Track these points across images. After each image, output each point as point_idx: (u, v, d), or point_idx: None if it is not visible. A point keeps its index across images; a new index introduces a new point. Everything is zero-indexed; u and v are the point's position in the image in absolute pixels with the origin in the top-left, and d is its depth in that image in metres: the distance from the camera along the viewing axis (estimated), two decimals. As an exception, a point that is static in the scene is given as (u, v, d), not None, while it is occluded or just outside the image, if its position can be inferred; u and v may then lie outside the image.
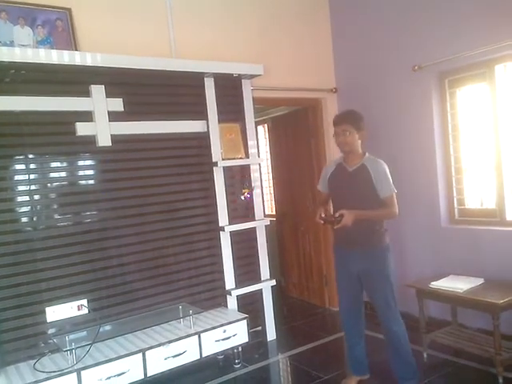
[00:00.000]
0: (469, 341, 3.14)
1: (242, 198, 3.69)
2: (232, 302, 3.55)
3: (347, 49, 4.31)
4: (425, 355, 3.21)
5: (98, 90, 3.01)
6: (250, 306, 3.66)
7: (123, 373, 2.76)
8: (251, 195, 3.70)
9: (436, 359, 3.21)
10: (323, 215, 2.68)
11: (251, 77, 3.64)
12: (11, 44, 2.80)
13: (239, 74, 3.54)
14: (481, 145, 3.50)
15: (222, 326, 3.18)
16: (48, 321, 2.86)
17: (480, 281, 3.18)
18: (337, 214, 2.61)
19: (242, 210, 3.73)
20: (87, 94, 2.99)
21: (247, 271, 3.71)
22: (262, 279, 3.72)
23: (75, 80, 2.96)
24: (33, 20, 2.91)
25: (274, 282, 3.76)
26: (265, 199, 5.33)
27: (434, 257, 3.71)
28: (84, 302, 2.97)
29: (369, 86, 4.12)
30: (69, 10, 3.00)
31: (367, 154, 2.82)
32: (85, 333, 2.95)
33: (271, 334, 3.76)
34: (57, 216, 2.96)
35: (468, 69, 3.45)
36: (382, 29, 3.95)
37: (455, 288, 3.08)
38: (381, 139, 3.89)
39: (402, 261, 3.83)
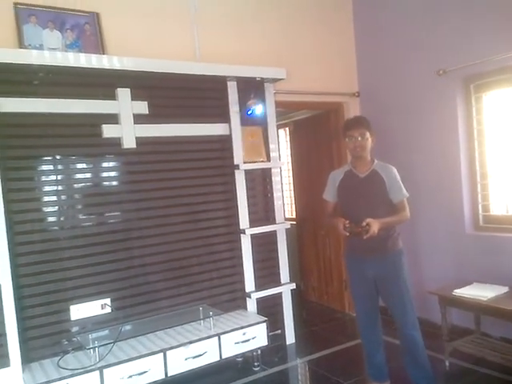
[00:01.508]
0: (492, 350, 3.08)
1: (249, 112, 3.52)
2: (252, 305, 3.56)
3: (370, 52, 4.28)
4: (447, 363, 3.16)
5: (123, 93, 3.07)
6: (270, 309, 3.66)
7: (144, 372, 2.80)
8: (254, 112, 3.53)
9: (458, 368, 3.15)
10: (347, 225, 2.60)
11: (274, 80, 3.66)
12: (41, 47, 2.87)
13: (262, 78, 3.56)
14: (507, 150, 3.44)
15: (241, 328, 3.20)
16: (72, 319, 2.92)
17: (505, 289, 3.11)
18: (364, 223, 2.54)
19: (263, 213, 3.74)
20: (113, 96, 3.05)
21: (267, 274, 3.72)
22: (282, 282, 3.72)
23: (102, 83, 3.02)
24: (62, 24, 2.98)
25: (293, 286, 3.76)
26: (285, 203, 5.33)
27: (458, 264, 3.65)
28: (107, 301, 3.02)
29: (392, 91, 4.08)
30: (97, 14, 3.06)
31: (376, 160, 2.80)
32: (107, 331, 3.00)
33: (290, 338, 3.76)
34: (83, 216, 3.02)
35: (495, 73, 3.39)
36: (406, 32, 3.92)
37: (479, 296, 3.03)
38: (403, 144, 3.86)
39: (424, 267, 3.79)
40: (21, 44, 2.84)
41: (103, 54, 3.04)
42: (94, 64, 2.82)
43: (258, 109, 3.53)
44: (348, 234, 2.61)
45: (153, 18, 3.32)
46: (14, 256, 2.72)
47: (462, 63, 3.47)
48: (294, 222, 5.16)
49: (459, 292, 3.15)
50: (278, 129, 3.92)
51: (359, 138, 2.71)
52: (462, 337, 3.32)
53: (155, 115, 3.20)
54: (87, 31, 3.02)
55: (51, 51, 2.80)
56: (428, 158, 3.81)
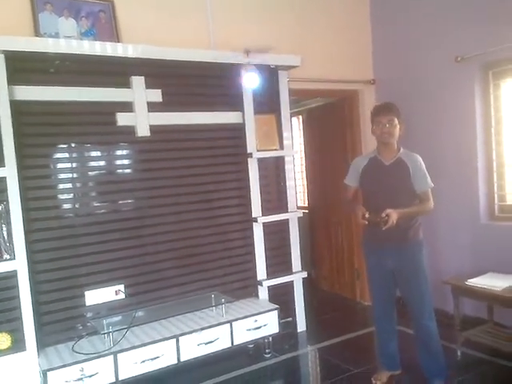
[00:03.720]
0: (505, 340, 3.07)
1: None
2: (263, 293, 3.59)
3: (386, 39, 4.21)
4: (459, 353, 3.16)
5: (138, 82, 3.07)
6: (281, 297, 3.67)
7: (157, 357, 2.85)
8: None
9: (470, 357, 3.15)
10: (367, 215, 2.57)
11: (288, 68, 3.63)
12: (56, 35, 2.88)
13: (276, 66, 3.53)
14: (525, 140, 3.38)
15: (253, 315, 3.22)
16: (87, 304, 2.97)
17: (519, 280, 3.09)
18: (383, 214, 2.50)
19: (275, 202, 3.74)
20: (128, 85, 3.05)
21: (279, 262, 3.73)
22: (294, 271, 3.74)
23: (117, 71, 3.02)
24: (77, 12, 2.99)
25: (305, 274, 3.77)
26: (297, 191, 5.32)
27: (473, 253, 3.62)
28: (121, 287, 3.07)
29: (408, 78, 4.02)
30: (111, 2, 3.06)
31: (402, 148, 2.77)
32: (121, 317, 3.05)
33: (301, 326, 3.78)
34: (97, 203, 3.05)
35: (514, 61, 3.32)
36: (423, 18, 3.84)
37: (493, 286, 3.01)
38: (420, 132, 3.80)
39: (439, 257, 3.76)
40: (37, 32, 2.85)
41: (118, 41, 3.05)
42: (108, 52, 2.83)
43: (252, 78, 3.23)
44: (367, 223, 2.60)
45: (167, 6, 3.30)
46: (30, 242, 2.77)
47: (480, 50, 3.39)
48: (306, 211, 5.16)
49: (473, 282, 3.13)
50: (291, 117, 3.89)
51: (387, 125, 2.67)
52: (474, 327, 3.30)
53: (169, 103, 3.20)
54: (102, 19, 3.02)
55: (67, 39, 2.81)
56: (444, 146, 3.76)
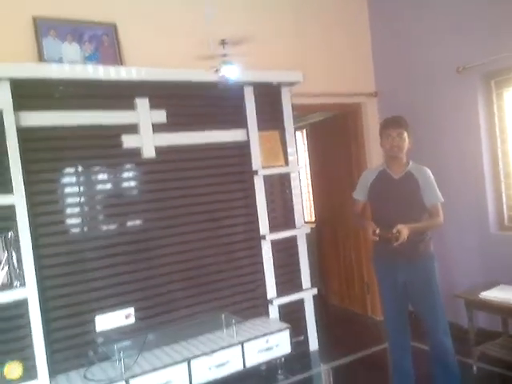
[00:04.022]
0: (522, 354, 3.02)
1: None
2: (274, 312, 3.54)
3: (387, 50, 4.23)
4: (474, 368, 3.11)
5: (142, 103, 3.08)
6: (292, 315, 3.63)
7: (169, 382, 2.80)
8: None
9: (486, 372, 3.10)
10: (378, 231, 2.54)
11: (290, 84, 3.63)
12: (60, 60, 2.90)
13: (278, 82, 3.54)
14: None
15: (264, 335, 3.18)
16: (97, 330, 2.93)
17: (533, 291, 3.05)
18: (394, 230, 2.48)
19: (282, 218, 3.72)
20: (132, 107, 3.06)
21: (288, 280, 3.69)
22: (304, 288, 3.70)
23: (121, 94, 3.03)
24: (80, 36, 3.01)
25: (315, 291, 3.73)
26: (304, 205, 5.30)
27: (483, 265, 3.59)
28: (131, 310, 3.03)
29: (410, 89, 4.03)
30: (114, 25, 3.08)
31: (411, 161, 2.75)
32: (131, 341, 3.01)
33: (313, 344, 3.72)
34: (105, 227, 3.03)
35: (516, 70, 3.33)
36: (423, 29, 3.86)
37: (507, 299, 2.97)
38: (424, 144, 3.79)
39: (450, 269, 3.72)
40: (41, 57, 2.87)
41: (121, 64, 3.06)
42: (112, 76, 2.84)
43: (230, 71, 2.83)
44: (377, 239, 2.57)
45: (169, 28, 3.32)
46: (40, 268, 2.75)
47: (481, 59, 3.40)
48: (314, 225, 5.13)
49: (486, 295, 3.10)
50: (295, 131, 3.89)
51: (396, 138, 2.66)
52: (489, 340, 3.25)
53: (173, 124, 3.21)
54: (105, 42, 3.04)
55: (71, 64, 2.82)
56: (450, 157, 3.75)
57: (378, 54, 4.32)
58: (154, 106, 3.12)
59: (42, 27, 2.90)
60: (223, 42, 2.96)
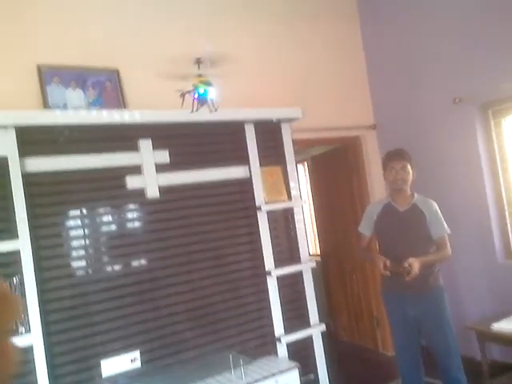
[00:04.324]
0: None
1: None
2: (282, 350, 3.47)
3: (384, 83, 4.31)
4: (491, 403, 3.02)
5: (145, 144, 3.12)
6: (301, 353, 3.55)
7: (177, 427, 2.73)
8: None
9: (503, 408, 3.01)
10: (388, 264, 2.53)
11: (290, 120, 3.69)
12: (64, 106, 2.97)
13: (278, 119, 3.61)
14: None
15: (273, 375, 3.10)
16: (103, 375, 2.87)
17: (545, 321, 3.00)
18: (406, 264, 2.47)
19: (287, 253, 3.70)
20: (135, 148, 3.10)
21: (295, 316, 3.63)
22: (312, 324, 3.63)
23: (124, 136, 3.08)
24: (84, 82, 3.09)
25: (323, 327, 3.66)
26: (308, 238, 5.28)
27: (493, 294, 3.54)
28: (137, 354, 2.98)
29: (408, 121, 4.08)
30: (116, 71, 3.17)
31: (416, 193, 2.76)
32: (138, 385, 2.95)
33: (324, 382, 3.62)
34: (109, 269, 3.02)
35: (512, 99, 3.38)
36: (418, 62, 3.94)
37: (519, 330, 2.91)
38: (426, 175, 3.79)
39: (459, 301, 3.67)
40: (45, 104, 2.93)
41: (124, 107, 3.12)
42: (116, 119, 2.90)
43: (207, 89, 2.74)
44: (389, 273, 2.54)
45: (168, 71, 3.40)
46: (45, 313, 2.72)
47: (477, 90, 3.46)
48: (319, 258, 5.10)
49: (498, 326, 3.04)
50: (296, 164, 3.93)
51: (400, 171, 2.68)
52: (503, 373, 3.17)
53: (176, 163, 3.24)
54: (108, 88, 3.12)
55: (75, 110, 2.89)
56: (452, 188, 3.75)
57: (375, 86, 4.41)
58: (156, 146, 3.17)
59: (46, 74, 2.98)
60: (198, 61, 2.96)
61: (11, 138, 2.66)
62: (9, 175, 2.65)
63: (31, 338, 2.60)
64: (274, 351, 3.48)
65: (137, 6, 3.44)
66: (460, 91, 3.60)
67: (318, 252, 5.33)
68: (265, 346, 3.48)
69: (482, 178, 3.57)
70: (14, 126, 2.66)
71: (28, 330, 2.61)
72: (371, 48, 4.39)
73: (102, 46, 3.16)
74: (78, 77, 3.08)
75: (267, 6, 3.99)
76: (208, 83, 2.70)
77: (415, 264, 2.45)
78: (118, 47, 3.25)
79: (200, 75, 2.74)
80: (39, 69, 2.99)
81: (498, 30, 3.33)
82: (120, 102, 3.12)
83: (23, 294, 2.61)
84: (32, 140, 2.79)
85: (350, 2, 4.47)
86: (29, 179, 2.75)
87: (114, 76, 3.15)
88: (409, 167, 2.70)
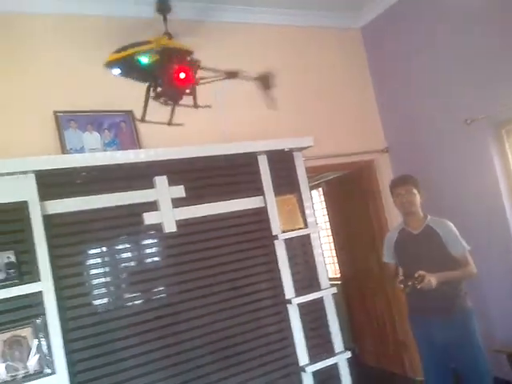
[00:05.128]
0: None
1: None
2: (307, 379, 3.42)
3: (393, 105, 4.34)
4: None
5: (161, 181, 3.19)
6: (327, 382, 3.49)
7: None
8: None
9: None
10: (401, 278, 2.60)
11: (302, 149, 3.74)
12: (81, 149, 3.08)
13: (290, 149, 3.65)
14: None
15: (300, 408, 3.06)
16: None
17: None
18: (416, 275, 2.51)
19: (307, 281, 3.68)
20: (151, 185, 3.17)
21: (319, 344, 3.57)
22: (336, 351, 3.58)
23: (140, 174, 3.15)
24: (99, 124, 3.20)
25: (349, 354, 3.59)
26: (327, 262, 5.25)
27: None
28: (160, 391, 2.98)
29: (420, 143, 4.08)
30: (130, 112, 3.28)
31: (429, 216, 2.76)
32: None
33: (352, 411, 3.56)
34: (131, 304, 3.05)
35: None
36: (427, 83, 3.96)
37: (551, 350, 2.82)
38: (441, 198, 3.78)
39: (485, 323, 3.57)
40: (63, 148, 3.05)
41: (139, 146, 3.22)
42: (131, 159, 2.98)
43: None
44: (403, 287, 2.56)
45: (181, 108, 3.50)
46: (69, 353, 2.74)
47: (488, 110, 3.45)
48: (339, 282, 5.05)
49: (528, 347, 2.95)
50: (311, 189, 3.95)
51: (406, 195, 2.72)
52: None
53: (192, 197, 3.30)
54: (123, 128, 3.23)
55: (92, 153, 2.99)
56: (470, 208, 3.71)
57: (385, 109, 4.44)
58: (172, 182, 3.23)
59: (63, 120, 3.10)
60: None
61: (31, 183, 2.76)
62: (30, 219, 2.73)
63: (56, 378, 2.63)
64: (298, 381, 3.43)
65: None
66: (471, 112, 3.59)
67: (339, 275, 5.28)
68: (289, 376, 3.44)
69: (500, 195, 3.52)
70: (33, 172, 2.76)
71: (53, 371, 2.64)
72: (377, 72, 4.44)
73: (116, 89, 3.27)
74: (94, 120, 3.20)
75: (276, 33, 4.09)
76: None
77: (428, 276, 2.47)
78: (131, 89, 3.36)
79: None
80: (56, 115, 3.12)
81: (508, 52, 3.33)
82: (135, 142, 3.22)
83: (47, 335, 2.66)
84: (51, 183, 2.88)
85: (355, 30, 4.55)
86: (49, 221, 2.83)
87: (128, 117, 3.26)
88: (414, 190, 2.74)
